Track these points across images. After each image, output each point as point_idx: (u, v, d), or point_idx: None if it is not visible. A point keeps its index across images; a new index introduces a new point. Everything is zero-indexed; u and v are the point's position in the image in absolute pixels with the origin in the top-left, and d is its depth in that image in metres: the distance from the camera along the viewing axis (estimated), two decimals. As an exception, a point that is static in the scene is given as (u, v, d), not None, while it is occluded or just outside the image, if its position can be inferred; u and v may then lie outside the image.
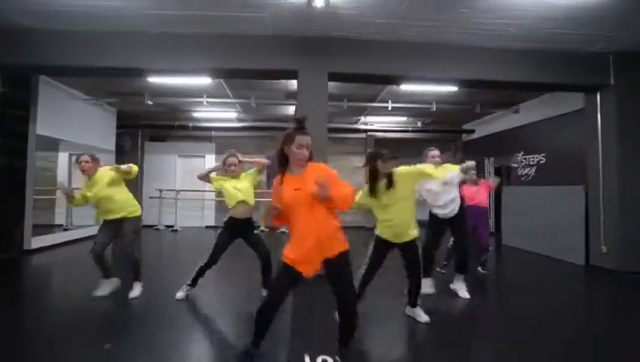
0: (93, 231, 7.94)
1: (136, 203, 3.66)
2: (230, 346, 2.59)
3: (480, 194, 4.76)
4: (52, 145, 8.97)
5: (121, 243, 3.54)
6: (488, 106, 7.91)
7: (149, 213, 9.49)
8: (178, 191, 9.54)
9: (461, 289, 3.72)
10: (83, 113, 7.40)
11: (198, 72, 4.97)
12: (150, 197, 9.44)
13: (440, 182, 3.42)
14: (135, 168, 3.50)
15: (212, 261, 3.45)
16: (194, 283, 3.53)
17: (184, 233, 8.89)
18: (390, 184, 2.74)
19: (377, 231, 2.92)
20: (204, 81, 6.01)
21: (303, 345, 2.50)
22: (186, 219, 9.70)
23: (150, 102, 7.26)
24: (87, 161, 3.42)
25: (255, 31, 4.48)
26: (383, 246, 2.88)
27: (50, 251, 6.17)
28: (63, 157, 9.58)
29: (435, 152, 3.62)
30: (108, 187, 3.39)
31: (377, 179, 2.76)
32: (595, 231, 5.14)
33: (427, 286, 3.64)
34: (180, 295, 3.50)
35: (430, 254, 3.74)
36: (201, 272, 3.49)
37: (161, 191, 9.44)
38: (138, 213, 3.62)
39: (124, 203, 3.49)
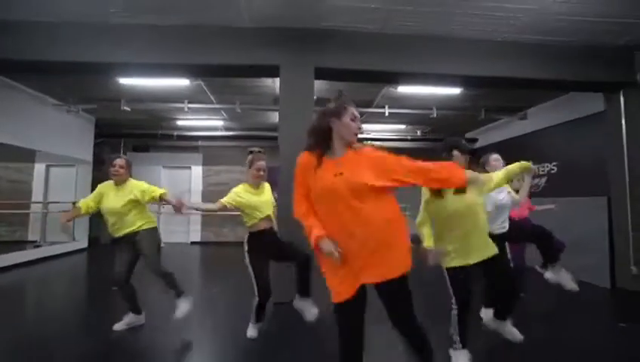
0: (66, 248, 7.41)
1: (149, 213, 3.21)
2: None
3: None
4: (28, 156, 8.44)
5: (146, 264, 3.03)
6: (493, 112, 7.34)
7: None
8: (162, 205, 8.89)
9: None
10: (56, 121, 6.85)
11: (167, 69, 4.40)
12: (131, 212, 8.79)
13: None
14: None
15: (263, 293, 2.76)
16: (259, 319, 2.88)
17: (169, 249, 8.21)
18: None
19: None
20: (181, 82, 5.47)
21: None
22: (170, 235, 9.03)
23: (127, 108, 6.68)
24: (122, 166, 3.03)
25: (230, 21, 3.91)
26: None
27: (19, 269, 5.52)
28: (39, 169, 9.01)
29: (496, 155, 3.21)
30: (129, 203, 2.95)
31: None
32: (622, 249, 4.48)
33: None
34: (252, 333, 2.86)
35: None
36: (259, 309, 2.82)
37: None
38: (154, 224, 3.16)
39: (137, 214, 3.03)
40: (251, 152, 3.00)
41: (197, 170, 9.56)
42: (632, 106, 4.45)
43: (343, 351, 1.56)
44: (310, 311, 2.73)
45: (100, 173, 8.75)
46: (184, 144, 9.44)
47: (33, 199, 8.89)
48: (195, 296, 3.43)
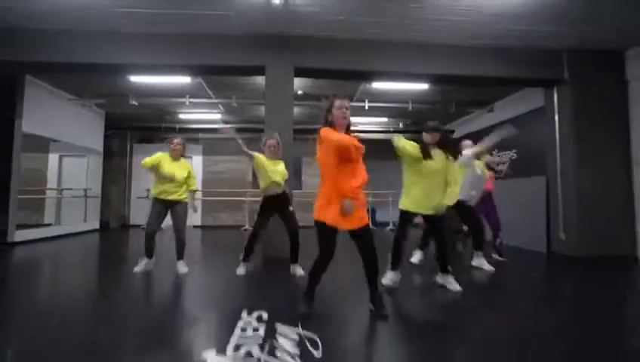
0: (77, 228, 8.26)
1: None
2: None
3: None
4: (42, 146, 9.27)
5: (176, 227, 4.03)
6: (464, 106, 8.15)
7: (136, 212, 9.73)
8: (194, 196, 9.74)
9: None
10: (71, 114, 7.68)
11: (172, 70, 5.25)
12: (138, 198, 9.66)
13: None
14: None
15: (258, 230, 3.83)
16: (247, 257, 3.88)
17: (171, 232, 9.07)
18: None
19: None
20: (183, 79, 6.30)
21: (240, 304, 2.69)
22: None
23: (135, 103, 7.51)
24: (179, 144, 4.08)
25: (223, 29, 4.75)
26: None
27: (36, 244, 6.36)
28: (53, 159, 9.86)
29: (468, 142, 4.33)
30: (181, 175, 3.95)
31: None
32: (555, 220, 5.32)
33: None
34: (240, 271, 3.84)
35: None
36: (250, 246, 3.84)
37: (148, 190, 9.66)
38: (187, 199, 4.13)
39: (184, 187, 4.04)
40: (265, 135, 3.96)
41: (197, 160, 10.40)
42: (563, 100, 5.27)
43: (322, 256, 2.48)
44: (297, 271, 3.79)
45: (111, 162, 9.66)
46: (186, 136, 10.25)
47: (47, 186, 9.75)
48: (199, 266, 4.24)
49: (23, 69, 5.78)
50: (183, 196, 4.02)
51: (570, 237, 5.06)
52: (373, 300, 2.55)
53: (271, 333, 2.14)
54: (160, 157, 3.95)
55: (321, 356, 1.87)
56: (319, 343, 1.99)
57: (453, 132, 10.01)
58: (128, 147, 10.11)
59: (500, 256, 4.82)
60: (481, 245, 4.30)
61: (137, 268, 3.91)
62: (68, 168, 9.87)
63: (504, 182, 7.19)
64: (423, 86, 6.68)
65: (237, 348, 1.95)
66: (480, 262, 4.28)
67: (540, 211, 5.59)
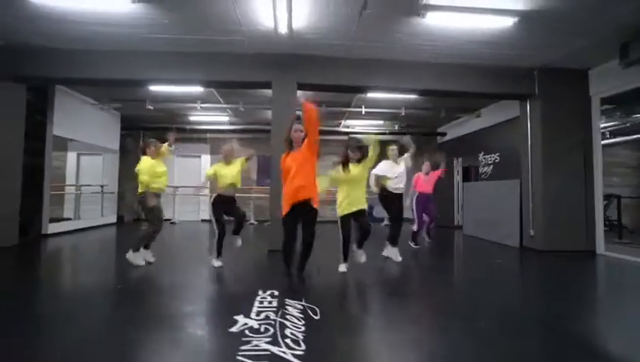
0: (97, 222, 9.01)
1: None
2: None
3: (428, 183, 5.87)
4: (62, 145, 9.97)
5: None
6: (453, 111, 8.83)
7: (149, 207, 10.48)
8: (176, 188, 10.49)
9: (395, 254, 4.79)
10: (91, 116, 8.39)
11: (191, 83, 5.97)
12: (150, 193, 10.38)
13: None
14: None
15: (222, 231, 4.32)
16: (220, 254, 4.36)
17: (182, 225, 9.85)
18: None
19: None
20: (197, 89, 6.99)
21: (256, 285, 3.43)
22: (183, 213, 10.65)
23: (151, 107, 8.22)
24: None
25: (237, 50, 5.44)
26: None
27: (63, 236, 7.12)
28: (71, 157, 10.59)
29: (394, 147, 4.94)
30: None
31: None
32: (526, 218, 6.05)
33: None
34: (217, 264, 4.33)
35: None
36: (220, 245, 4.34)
37: (160, 187, 10.39)
38: None
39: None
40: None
41: (205, 159, 11.13)
42: (534, 112, 5.97)
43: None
44: (238, 242, 4.50)
45: (126, 160, 10.37)
46: (195, 136, 10.99)
47: (67, 183, 10.49)
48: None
49: (56, 83, 6.47)
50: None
51: (538, 233, 5.79)
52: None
53: (282, 304, 2.88)
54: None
55: (319, 318, 2.61)
56: (318, 311, 2.73)
57: (445, 134, 10.71)
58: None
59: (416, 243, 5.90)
60: (395, 240, 4.83)
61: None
62: (85, 166, 10.61)
63: (487, 183, 7.92)
64: (413, 96, 7.36)
65: (258, 313, 2.69)
66: (389, 251, 4.85)
67: (514, 210, 6.32)
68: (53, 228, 7.06)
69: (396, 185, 4.76)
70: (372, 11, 4.17)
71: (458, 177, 10.08)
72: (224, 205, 4.42)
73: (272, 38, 4.98)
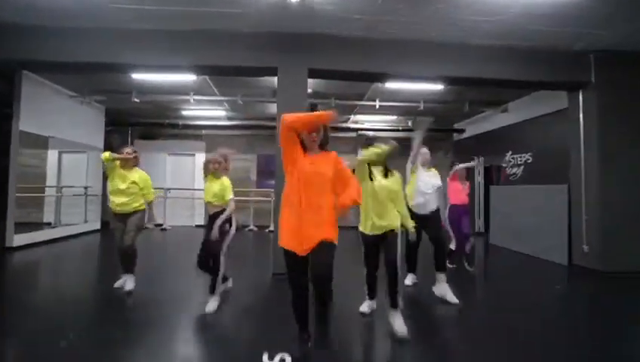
0: (79, 229, 8.04)
1: None
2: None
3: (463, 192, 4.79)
4: (41, 142, 8.98)
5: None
6: (477, 105, 7.88)
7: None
8: (168, 190, 9.52)
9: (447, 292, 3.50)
10: (70, 110, 7.40)
11: (179, 69, 4.97)
12: (139, 196, 9.37)
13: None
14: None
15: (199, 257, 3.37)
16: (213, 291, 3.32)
17: (174, 232, 8.88)
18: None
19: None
20: (188, 77, 6.01)
21: (261, 344, 2.47)
22: (175, 218, 9.67)
23: (137, 100, 7.23)
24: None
25: (234, 27, 4.46)
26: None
27: (34, 249, 6.13)
28: (52, 155, 9.58)
29: (426, 150, 3.80)
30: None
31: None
32: (577, 230, 5.11)
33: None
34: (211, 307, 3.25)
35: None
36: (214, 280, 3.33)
37: (150, 189, 9.42)
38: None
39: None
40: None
41: (200, 158, 10.12)
42: (589, 104, 5.02)
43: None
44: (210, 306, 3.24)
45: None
46: (189, 133, 10.01)
47: (47, 184, 9.49)
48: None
49: (20, 67, 5.48)
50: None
51: (595, 250, 4.85)
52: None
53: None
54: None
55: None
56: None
57: (463, 131, 9.76)
58: (129, 143, 9.80)
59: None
60: (443, 265, 3.58)
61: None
62: (68, 165, 9.61)
63: (520, 187, 6.97)
64: (438, 86, 6.40)
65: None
66: (441, 288, 3.54)
67: (561, 220, 5.38)
68: (21, 239, 6.06)
69: (419, 201, 3.63)
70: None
71: (479, 178, 9.12)
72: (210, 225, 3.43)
73: (280, 11, 4.01)
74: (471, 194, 8.54)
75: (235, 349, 2.52)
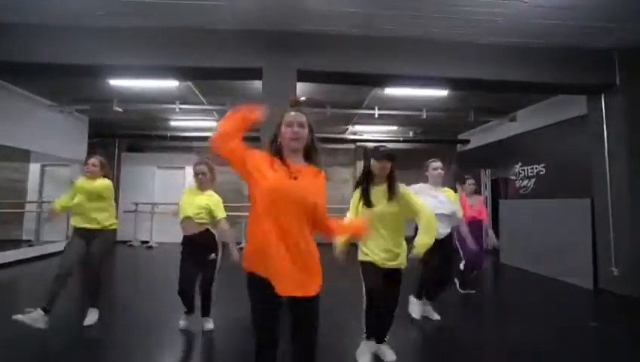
0: (59, 247, 7.45)
1: None
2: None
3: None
4: (23, 156, 8.51)
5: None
6: (483, 114, 7.37)
7: (124, 228, 8.90)
8: (155, 205, 8.97)
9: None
10: (49, 121, 6.92)
11: (155, 72, 4.46)
12: (125, 211, 8.82)
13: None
14: None
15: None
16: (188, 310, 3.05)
17: (160, 249, 8.29)
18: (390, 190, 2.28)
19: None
20: (170, 83, 5.54)
21: None
22: (162, 234, 9.07)
23: (119, 109, 6.75)
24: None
25: (213, 24, 3.97)
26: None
27: (10, 268, 5.58)
28: (34, 168, 9.08)
29: (438, 164, 3.20)
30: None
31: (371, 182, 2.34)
32: (604, 250, 4.51)
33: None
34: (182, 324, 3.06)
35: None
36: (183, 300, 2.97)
37: (137, 204, 8.88)
38: None
39: None
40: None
41: (191, 171, 9.60)
42: (613, 109, 4.49)
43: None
44: (208, 324, 3.05)
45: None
46: (179, 145, 9.52)
47: (28, 198, 8.97)
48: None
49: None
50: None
51: (626, 273, 4.25)
52: None
53: None
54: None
55: None
56: None
57: (468, 142, 9.24)
58: (116, 156, 9.30)
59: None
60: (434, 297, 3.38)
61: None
62: (50, 178, 9.11)
63: (534, 201, 6.39)
64: (441, 92, 5.91)
65: None
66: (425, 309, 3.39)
67: (584, 239, 4.78)
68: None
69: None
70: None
71: (486, 192, 8.56)
72: (191, 249, 2.98)
73: (265, 5, 3.53)
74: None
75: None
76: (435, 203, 3.05)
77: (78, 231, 3.13)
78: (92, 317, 3.16)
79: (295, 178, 1.51)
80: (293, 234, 1.45)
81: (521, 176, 7.20)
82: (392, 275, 2.34)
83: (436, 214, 2.94)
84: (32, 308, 2.77)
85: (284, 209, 1.45)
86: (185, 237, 2.98)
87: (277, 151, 1.60)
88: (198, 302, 3.03)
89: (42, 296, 2.85)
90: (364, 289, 2.33)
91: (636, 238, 4.20)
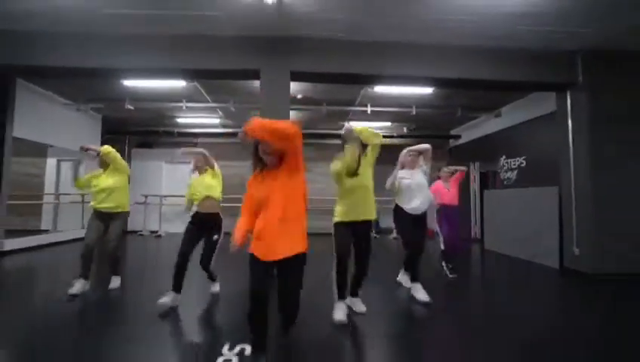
0: (74, 234, 8.07)
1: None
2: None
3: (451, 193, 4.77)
4: (40, 151, 9.12)
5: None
6: (469, 110, 7.83)
7: (134, 218, 9.51)
8: (163, 197, 9.55)
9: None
10: (66, 118, 7.52)
11: (164, 73, 5.00)
12: (135, 203, 9.42)
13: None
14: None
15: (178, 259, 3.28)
16: (175, 288, 3.27)
17: (168, 239, 8.87)
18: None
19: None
20: (178, 83, 6.08)
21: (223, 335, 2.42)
22: (170, 225, 9.68)
23: (131, 107, 7.33)
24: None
25: (214, 30, 4.50)
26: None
27: (28, 253, 6.16)
28: (51, 163, 9.72)
29: (410, 152, 3.76)
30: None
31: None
32: (568, 233, 4.99)
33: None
34: (164, 300, 3.22)
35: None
36: (176, 274, 3.26)
37: (146, 196, 9.47)
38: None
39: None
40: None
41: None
42: (577, 105, 4.95)
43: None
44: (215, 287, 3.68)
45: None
46: (185, 140, 10.08)
47: (45, 191, 9.60)
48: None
49: (12, 72, 5.58)
50: None
51: (585, 253, 4.72)
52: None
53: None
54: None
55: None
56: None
57: (459, 137, 9.70)
58: (126, 152, 9.91)
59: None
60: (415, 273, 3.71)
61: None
62: (66, 173, 9.73)
63: (512, 191, 6.88)
64: (427, 90, 6.39)
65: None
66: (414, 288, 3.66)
67: (552, 223, 5.27)
68: (12, 244, 6.11)
69: (412, 203, 3.59)
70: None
71: (475, 184, 9.02)
72: (200, 227, 3.48)
73: (258, 14, 4.05)
74: (464, 199, 8.50)
75: (198, 338, 2.47)
76: (412, 182, 3.62)
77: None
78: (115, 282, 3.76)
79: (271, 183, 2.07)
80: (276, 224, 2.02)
81: (505, 168, 7.67)
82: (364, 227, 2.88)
83: (413, 189, 3.50)
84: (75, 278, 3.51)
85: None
86: (197, 214, 3.46)
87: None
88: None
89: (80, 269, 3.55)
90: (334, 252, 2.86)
91: (595, 222, 4.67)
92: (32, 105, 6.46)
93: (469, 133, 9.30)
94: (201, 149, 3.59)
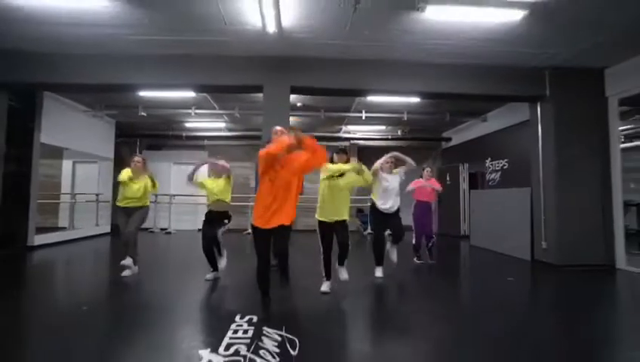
0: (91, 231, 8.73)
1: None
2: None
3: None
4: (57, 153, 9.77)
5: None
6: (457, 115, 8.43)
7: (145, 216, 10.17)
8: (173, 196, 10.20)
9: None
10: (84, 124, 8.14)
11: (180, 87, 5.68)
12: (146, 202, 10.07)
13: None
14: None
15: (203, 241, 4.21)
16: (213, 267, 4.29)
17: (177, 235, 9.53)
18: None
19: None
20: (189, 94, 6.71)
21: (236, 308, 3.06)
22: (179, 223, 10.34)
23: (144, 114, 7.97)
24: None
25: (225, 52, 5.14)
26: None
27: (53, 247, 6.82)
28: (67, 165, 10.39)
29: (387, 159, 4.48)
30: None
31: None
32: (537, 229, 5.60)
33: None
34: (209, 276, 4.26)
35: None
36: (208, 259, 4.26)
37: (156, 196, 10.11)
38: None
39: None
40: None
41: (203, 166, 10.81)
42: (545, 115, 5.55)
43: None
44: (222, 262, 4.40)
45: (121, 168, 10.12)
46: (192, 143, 10.73)
47: (62, 191, 10.28)
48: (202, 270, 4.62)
49: (41, 87, 6.23)
50: None
51: (551, 246, 5.34)
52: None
53: (258, 335, 2.50)
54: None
55: (297, 354, 2.23)
56: (297, 343, 2.35)
57: (450, 140, 10.30)
58: (137, 153, 10.55)
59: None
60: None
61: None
62: (81, 174, 10.40)
63: (495, 191, 7.48)
64: (414, 99, 6.98)
65: (228, 347, 2.31)
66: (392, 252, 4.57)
67: (524, 220, 5.88)
68: (40, 239, 6.77)
69: (385, 203, 4.35)
70: (366, 5, 3.82)
71: (464, 184, 9.62)
72: (211, 219, 4.34)
73: (261, 38, 4.66)
74: (454, 198, 9.09)
75: (215, 312, 3.11)
76: (389, 185, 4.37)
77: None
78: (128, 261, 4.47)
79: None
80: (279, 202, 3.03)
81: (490, 169, 8.27)
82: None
83: (389, 192, 4.19)
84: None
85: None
86: (210, 212, 4.34)
87: None
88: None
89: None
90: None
91: (560, 219, 5.28)
92: (55, 113, 7.09)
93: (459, 135, 9.90)
94: (225, 163, 4.38)
